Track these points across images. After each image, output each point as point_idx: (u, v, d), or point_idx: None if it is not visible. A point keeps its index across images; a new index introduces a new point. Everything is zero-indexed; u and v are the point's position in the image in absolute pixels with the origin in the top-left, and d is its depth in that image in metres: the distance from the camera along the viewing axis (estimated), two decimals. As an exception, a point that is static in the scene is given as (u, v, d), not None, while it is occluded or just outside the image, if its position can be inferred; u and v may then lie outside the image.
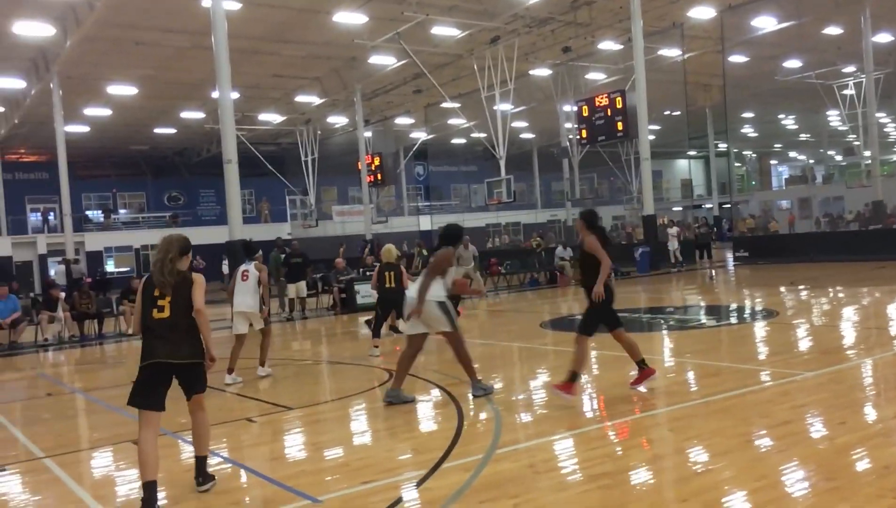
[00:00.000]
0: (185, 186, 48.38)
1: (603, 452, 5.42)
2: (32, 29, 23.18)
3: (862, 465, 4.85)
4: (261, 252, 10.14)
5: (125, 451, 6.26)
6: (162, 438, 6.84)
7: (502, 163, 26.51)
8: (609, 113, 25.67)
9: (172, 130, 40.02)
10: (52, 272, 34.40)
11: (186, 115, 35.94)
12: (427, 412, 7.42)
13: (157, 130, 39.93)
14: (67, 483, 5.57)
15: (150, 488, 4.74)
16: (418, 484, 4.97)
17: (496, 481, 4.90)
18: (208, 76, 21.62)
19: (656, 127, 44.25)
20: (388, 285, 10.88)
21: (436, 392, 8.10)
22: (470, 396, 7.49)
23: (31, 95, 29.52)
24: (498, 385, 8.38)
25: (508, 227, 49.00)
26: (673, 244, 26.18)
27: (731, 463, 5.00)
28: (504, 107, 27.07)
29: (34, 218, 42.51)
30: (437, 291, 7.25)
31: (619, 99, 25.34)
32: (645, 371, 7.29)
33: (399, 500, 4.67)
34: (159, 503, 4.76)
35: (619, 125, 25.41)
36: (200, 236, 40.47)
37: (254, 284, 9.24)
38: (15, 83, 29.24)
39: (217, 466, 5.84)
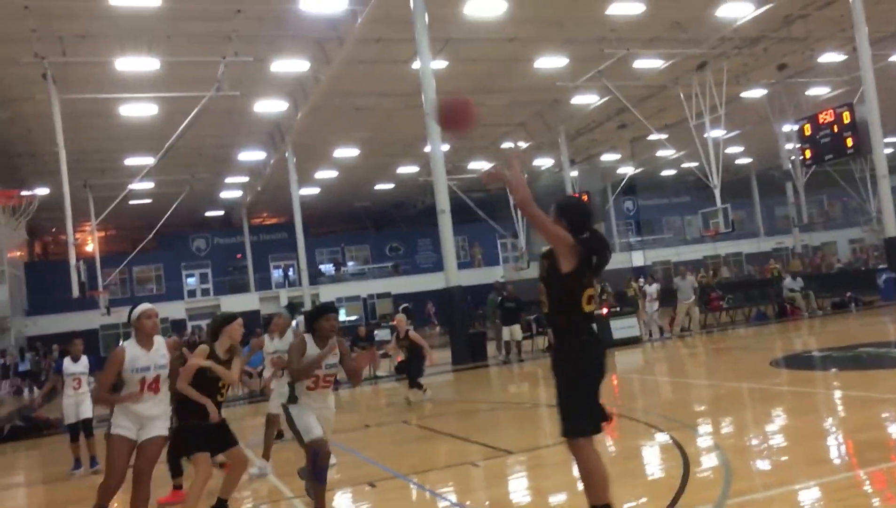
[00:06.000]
0: (403, 237, 51.17)
1: (852, 504, 4.95)
2: (270, 106, 26.30)
3: None
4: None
5: (362, 492, 6.73)
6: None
7: (717, 191, 25.31)
8: (835, 129, 23.68)
9: (391, 186, 42.79)
10: (293, 324, 37.72)
11: (402, 170, 38.33)
12: (650, 458, 7.22)
13: (377, 187, 42.91)
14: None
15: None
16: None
17: (729, 533, 4.67)
18: (420, 132, 22.92)
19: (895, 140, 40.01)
20: None
21: (659, 437, 7.86)
22: (699, 443, 7.14)
23: (269, 165, 33.05)
24: (726, 430, 7.96)
25: (729, 258, 46.38)
26: (652, 307, 19.81)
27: None
28: (715, 133, 25.94)
29: (276, 274, 47.16)
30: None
31: (846, 113, 23.32)
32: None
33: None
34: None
35: (849, 141, 23.32)
36: (420, 283, 43.00)
37: None
38: (257, 155, 32.98)
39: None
